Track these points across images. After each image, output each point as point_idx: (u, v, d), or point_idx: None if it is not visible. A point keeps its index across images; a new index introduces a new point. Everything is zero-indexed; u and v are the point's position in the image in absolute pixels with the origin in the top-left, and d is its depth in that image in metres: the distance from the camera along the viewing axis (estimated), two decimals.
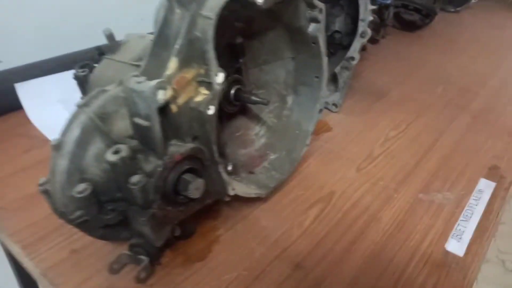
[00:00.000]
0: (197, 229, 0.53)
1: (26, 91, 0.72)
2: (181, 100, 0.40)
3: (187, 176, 0.42)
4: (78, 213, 0.41)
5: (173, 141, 0.42)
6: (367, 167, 0.68)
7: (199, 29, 0.38)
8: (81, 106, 0.40)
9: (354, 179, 0.64)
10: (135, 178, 0.39)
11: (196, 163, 0.44)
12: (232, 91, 0.55)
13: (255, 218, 0.56)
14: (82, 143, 0.40)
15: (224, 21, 0.49)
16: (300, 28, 0.55)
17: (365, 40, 0.76)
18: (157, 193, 0.40)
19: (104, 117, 0.41)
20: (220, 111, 0.51)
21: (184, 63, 0.39)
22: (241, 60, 0.57)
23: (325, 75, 0.60)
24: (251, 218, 0.56)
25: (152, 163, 0.40)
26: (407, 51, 1.17)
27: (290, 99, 0.64)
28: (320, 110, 0.62)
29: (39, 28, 0.82)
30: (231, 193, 0.48)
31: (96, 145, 0.41)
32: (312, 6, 0.53)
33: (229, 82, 0.54)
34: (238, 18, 0.52)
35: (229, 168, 0.57)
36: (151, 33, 0.47)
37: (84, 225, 0.42)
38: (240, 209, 0.56)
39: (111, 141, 0.41)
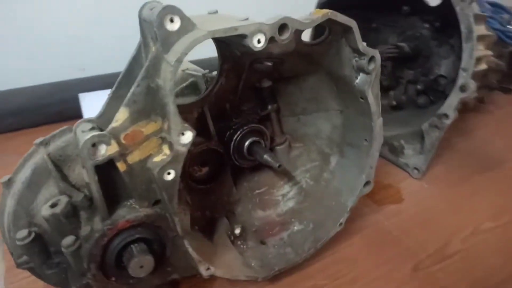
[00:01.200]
0: None
1: (88, 101, 0.74)
2: (134, 157, 0.32)
3: (135, 249, 0.34)
4: (23, 258, 0.37)
5: (130, 202, 0.35)
6: (430, 267, 0.50)
7: (161, 76, 0.30)
8: (38, 144, 0.36)
9: (405, 282, 0.48)
10: (66, 241, 0.33)
11: (155, 233, 0.35)
12: (246, 143, 0.45)
13: None
14: (32, 185, 0.35)
15: (236, 62, 0.41)
16: (345, 78, 0.43)
17: (466, 95, 0.57)
18: (93, 262, 0.34)
19: (62, 160, 0.36)
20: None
21: (140, 115, 0.32)
22: (269, 107, 0.47)
23: (378, 139, 0.45)
24: None
25: (91, 226, 0.33)
26: None
27: (334, 160, 0.51)
28: (367, 184, 0.48)
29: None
30: (205, 274, 0.38)
31: (48, 189, 0.36)
32: (359, 53, 0.40)
33: (245, 132, 0.45)
34: (256, 59, 0.42)
35: (237, 231, 0.47)
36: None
37: (32, 271, 0.38)
38: (232, 285, 0.46)
39: (68, 187, 0.36)
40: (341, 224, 0.48)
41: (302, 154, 0.52)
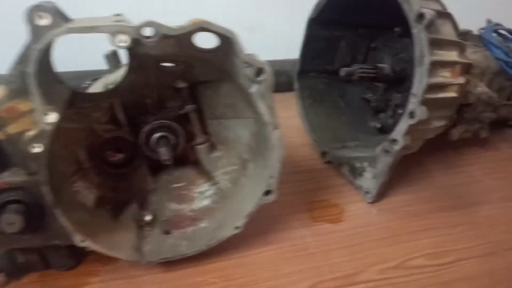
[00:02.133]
0: (81, 267, 0.50)
1: None
2: (12, 129, 0.39)
3: (8, 207, 0.40)
4: None
5: (15, 169, 0.41)
6: None
7: (28, 62, 0.36)
8: None
9: None
10: None
11: (34, 199, 0.41)
12: (154, 137, 0.49)
13: (137, 283, 0.49)
14: None
15: (142, 60, 0.45)
16: (243, 87, 0.45)
17: (414, 121, 0.54)
18: None
19: None
20: None
21: (17, 94, 0.38)
22: (186, 107, 0.50)
23: (277, 151, 0.46)
24: (134, 281, 0.49)
25: None
26: None
27: (251, 166, 0.52)
28: (269, 193, 0.48)
29: None
30: (80, 244, 0.43)
31: None
32: (247, 63, 0.42)
33: (155, 126, 0.49)
34: (162, 60, 0.46)
35: (147, 218, 0.52)
36: None
37: None
38: (132, 266, 0.50)
39: None
40: (237, 227, 0.49)
41: (223, 156, 0.54)
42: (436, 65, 0.54)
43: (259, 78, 0.42)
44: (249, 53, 0.42)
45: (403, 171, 0.68)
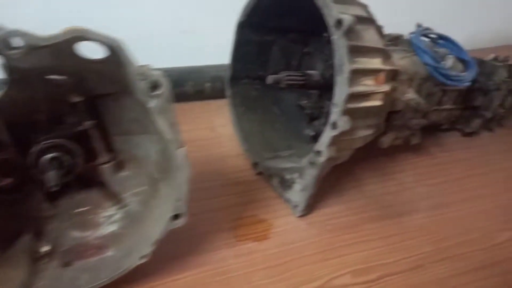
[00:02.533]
0: None
1: None
2: None
3: None
4: None
5: None
6: None
7: None
8: None
9: None
10: None
11: None
12: (44, 159, 0.43)
13: None
14: None
15: (24, 73, 0.39)
16: (143, 101, 0.40)
17: (337, 132, 0.51)
18: None
19: None
20: None
21: None
22: (86, 123, 0.45)
23: (183, 171, 0.42)
24: None
25: None
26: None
27: (162, 187, 0.48)
28: (177, 217, 0.44)
29: None
30: None
31: None
32: (142, 76, 0.37)
33: (46, 146, 0.43)
34: (46, 72, 0.40)
35: (44, 249, 0.46)
36: None
37: None
38: None
39: None
40: (143, 257, 0.44)
41: (132, 176, 0.49)
42: (358, 73, 0.52)
43: (155, 92, 0.37)
44: (142, 65, 0.38)
45: (333, 180, 0.66)
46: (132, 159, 0.49)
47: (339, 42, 0.50)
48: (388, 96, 0.57)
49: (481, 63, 0.76)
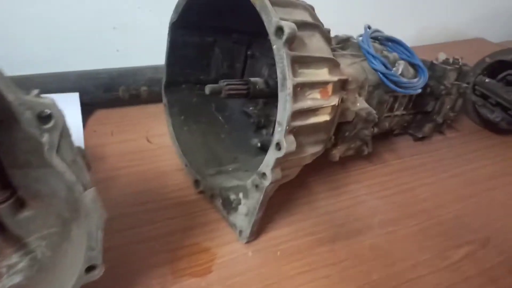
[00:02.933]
0: None
1: None
2: None
3: None
4: None
5: None
6: None
7: None
8: None
9: None
10: None
11: None
12: None
13: None
14: None
15: None
16: (32, 134, 0.32)
17: (281, 154, 0.46)
18: None
19: None
20: None
21: None
22: None
23: (94, 216, 0.34)
24: None
25: None
26: (463, 166, 0.76)
27: (74, 228, 0.40)
28: (91, 269, 0.36)
29: None
30: None
31: None
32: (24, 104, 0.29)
33: None
34: None
35: None
36: None
37: None
38: None
39: None
40: None
41: (37, 216, 0.41)
42: (303, 87, 0.46)
43: (46, 126, 0.30)
44: (27, 91, 0.30)
45: (284, 196, 0.61)
46: (35, 196, 0.41)
47: (280, 53, 0.44)
48: (336, 110, 0.52)
49: (431, 66, 0.73)
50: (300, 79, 0.45)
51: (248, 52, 0.70)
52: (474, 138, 0.84)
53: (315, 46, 0.49)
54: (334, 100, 0.50)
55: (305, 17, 0.50)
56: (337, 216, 0.61)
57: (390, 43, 0.69)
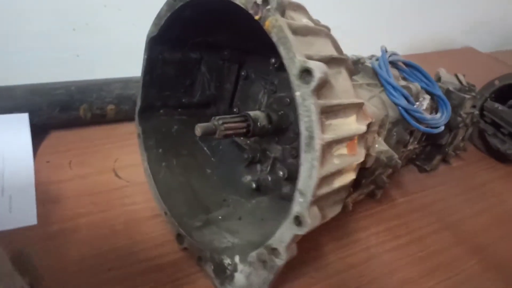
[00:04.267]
0: None
1: None
2: None
3: None
4: None
5: None
6: None
7: None
8: None
9: None
10: None
11: None
12: None
13: None
14: None
15: None
16: None
17: (302, 232, 0.35)
18: None
19: None
20: None
21: None
22: None
23: None
24: None
25: None
26: (474, 201, 0.69)
27: None
28: None
29: None
30: None
31: None
32: None
33: None
34: None
35: None
36: None
37: None
38: None
39: None
40: None
41: None
42: (330, 145, 0.35)
43: None
44: None
45: None
46: None
47: (306, 104, 0.33)
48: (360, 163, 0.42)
49: (447, 93, 0.64)
50: (329, 136, 0.34)
51: (242, 73, 0.58)
52: (480, 168, 0.78)
53: (342, 87, 0.38)
54: (361, 154, 0.40)
55: (329, 48, 0.39)
56: (349, 276, 0.51)
57: (407, 68, 0.59)
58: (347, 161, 0.38)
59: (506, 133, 0.73)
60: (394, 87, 0.52)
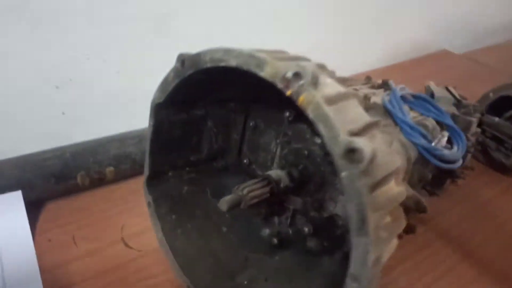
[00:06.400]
0: None
1: None
2: None
3: None
4: None
5: None
6: None
7: None
8: None
9: None
10: None
11: None
12: None
13: None
14: None
15: None
16: None
17: None
18: None
19: None
20: None
21: None
22: None
23: None
24: None
25: None
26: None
27: None
28: None
29: None
30: None
31: None
32: None
33: None
34: None
35: None
36: None
37: None
38: None
39: None
40: None
41: None
42: (379, 220, 0.33)
43: None
44: None
45: None
46: None
47: (356, 186, 0.31)
48: None
49: (453, 118, 0.64)
50: (378, 214, 0.32)
51: (251, 123, 0.56)
52: (484, 183, 0.78)
53: (381, 153, 0.36)
54: (403, 218, 0.38)
55: (361, 111, 0.37)
56: None
57: (414, 100, 0.58)
58: (391, 229, 0.36)
59: (509, 148, 0.73)
60: (411, 127, 0.51)
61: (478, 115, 0.65)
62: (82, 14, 0.63)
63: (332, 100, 0.34)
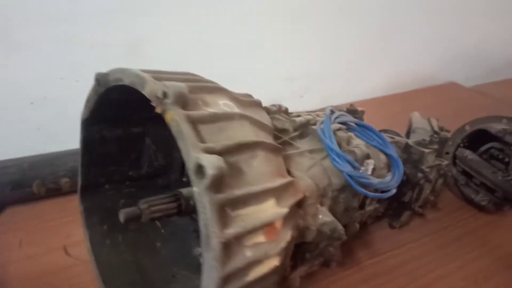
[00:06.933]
0: None
1: None
2: None
3: None
4: None
5: None
6: None
7: None
8: None
9: None
10: None
11: None
12: None
13: None
14: None
15: None
16: None
17: None
18: None
19: None
20: None
21: None
22: None
23: None
24: None
25: None
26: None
27: None
28: None
29: None
30: None
31: None
32: None
33: None
34: None
35: None
36: None
37: None
38: None
39: None
40: None
41: None
42: (239, 238, 0.33)
43: None
44: None
45: None
46: None
47: (203, 200, 0.31)
48: (290, 244, 0.40)
49: (406, 148, 0.62)
50: (232, 231, 0.32)
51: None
52: (457, 219, 0.73)
53: (257, 171, 0.37)
54: (286, 236, 0.38)
55: (243, 132, 0.38)
56: None
57: (358, 128, 0.58)
58: (264, 249, 0.35)
59: (478, 183, 0.69)
60: (337, 154, 0.50)
61: (435, 146, 0.63)
62: (59, 40, 0.69)
63: (203, 120, 0.35)
